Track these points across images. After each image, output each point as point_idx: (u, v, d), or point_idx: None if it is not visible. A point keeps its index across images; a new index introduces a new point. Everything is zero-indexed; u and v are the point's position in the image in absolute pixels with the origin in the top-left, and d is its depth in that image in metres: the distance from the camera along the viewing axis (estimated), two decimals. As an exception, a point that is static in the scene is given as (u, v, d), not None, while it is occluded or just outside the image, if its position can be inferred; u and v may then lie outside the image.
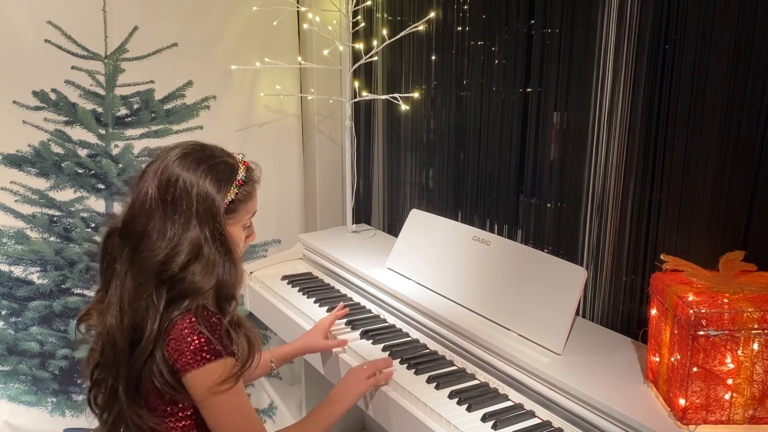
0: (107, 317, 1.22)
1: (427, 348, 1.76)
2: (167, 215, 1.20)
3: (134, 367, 1.19)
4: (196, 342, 1.17)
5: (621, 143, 1.64)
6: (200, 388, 1.19)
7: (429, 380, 1.57)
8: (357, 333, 1.83)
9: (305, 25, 2.55)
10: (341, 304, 1.95)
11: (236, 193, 1.26)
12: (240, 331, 1.26)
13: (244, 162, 1.31)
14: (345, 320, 1.89)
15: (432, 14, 2.19)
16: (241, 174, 1.28)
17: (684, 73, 1.49)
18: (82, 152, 2.42)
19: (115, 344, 1.21)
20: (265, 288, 2.22)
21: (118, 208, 2.45)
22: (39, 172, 2.40)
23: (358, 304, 2.04)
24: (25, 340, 2.46)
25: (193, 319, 1.18)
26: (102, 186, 2.46)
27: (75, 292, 2.48)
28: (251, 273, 2.34)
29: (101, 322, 1.24)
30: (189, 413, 1.25)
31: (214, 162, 1.25)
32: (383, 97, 2.41)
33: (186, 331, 1.18)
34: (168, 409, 1.24)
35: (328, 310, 1.95)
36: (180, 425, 1.25)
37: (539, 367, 1.48)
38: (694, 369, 1.21)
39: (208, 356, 1.18)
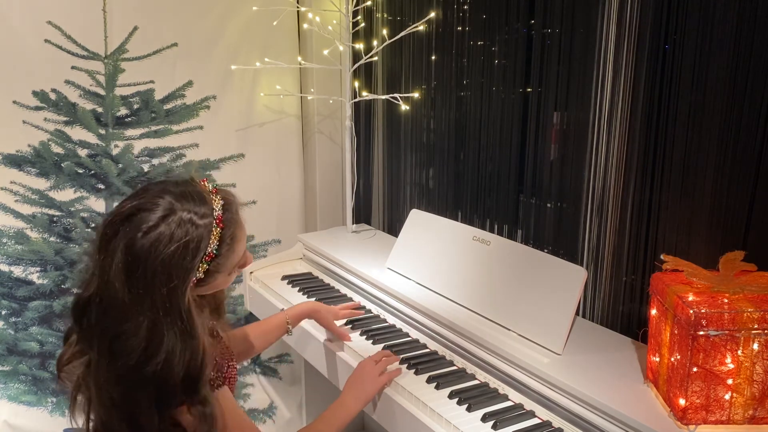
0: (94, 399, 1.12)
1: (427, 348, 1.76)
2: (136, 308, 1.07)
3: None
4: None
5: (621, 143, 1.64)
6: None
7: (429, 380, 1.57)
8: (357, 333, 1.83)
9: (305, 25, 2.55)
10: (358, 303, 1.97)
11: (206, 270, 1.14)
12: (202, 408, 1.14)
13: (219, 219, 1.15)
14: (345, 320, 1.89)
15: (432, 14, 2.19)
16: (212, 245, 1.13)
17: (684, 73, 1.49)
18: (82, 152, 2.42)
19: (101, 405, 1.13)
20: (265, 288, 2.23)
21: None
22: (39, 172, 2.40)
23: (358, 304, 2.04)
24: (25, 340, 2.46)
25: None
26: (102, 186, 2.46)
27: (75, 292, 2.48)
28: (251, 273, 2.34)
29: (81, 369, 1.15)
30: None
31: (176, 234, 1.09)
32: (383, 97, 2.41)
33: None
34: None
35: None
36: None
37: (539, 367, 1.48)
38: (694, 369, 1.21)
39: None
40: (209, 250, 1.12)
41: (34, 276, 2.45)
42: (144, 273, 1.07)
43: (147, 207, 1.10)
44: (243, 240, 1.22)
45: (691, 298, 1.23)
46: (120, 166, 2.45)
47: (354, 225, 2.56)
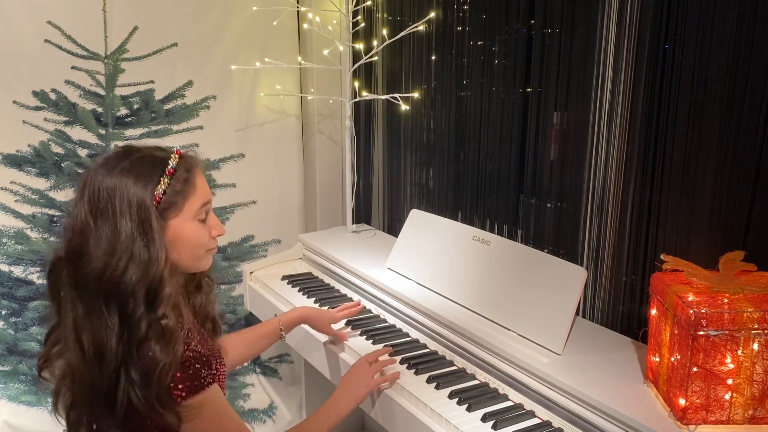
0: (67, 355, 1.15)
1: (427, 348, 1.76)
2: (98, 226, 1.13)
3: (105, 390, 1.12)
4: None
5: (621, 143, 1.64)
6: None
7: (429, 380, 1.57)
8: (357, 333, 1.83)
9: (305, 25, 2.55)
10: (358, 302, 1.97)
11: (168, 184, 1.17)
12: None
13: (178, 152, 1.23)
14: (345, 320, 1.89)
15: (432, 14, 2.19)
16: (172, 163, 1.19)
17: (684, 73, 1.49)
18: (82, 152, 2.42)
19: (83, 379, 1.14)
20: (265, 288, 2.23)
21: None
22: (39, 172, 2.40)
23: (358, 302, 2.04)
24: (25, 340, 2.46)
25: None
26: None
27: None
28: (251, 273, 2.34)
29: (64, 362, 1.18)
30: None
31: (136, 157, 1.18)
32: (383, 97, 2.41)
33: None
34: None
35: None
36: None
37: (539, 367, 1.48)
38: (694, 369, 1.21)
39: (184, 394, 1.15)
40: (169, 166, 1.19)
41: (34, 276, 2.45)
42: (107, 190, 1.14)
43: (112, 154, 1.21)
44: (203, 188, 1.26)
45: (691, 298, 1.24)
46: (120, 166, 2.45)
47: (354, 225, 2.56)
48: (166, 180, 1.17)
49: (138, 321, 1.13)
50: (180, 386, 1.15)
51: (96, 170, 1.16)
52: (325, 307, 2.00)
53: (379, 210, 2.69)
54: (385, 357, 1.64)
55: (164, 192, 1.17)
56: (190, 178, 1.22)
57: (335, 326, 1.84)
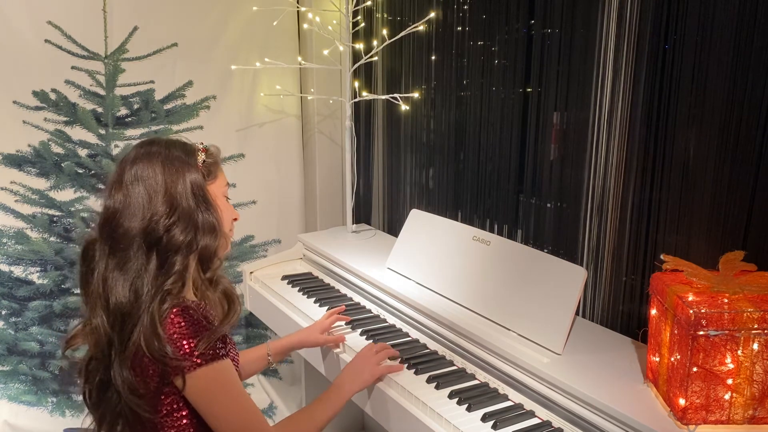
0: (93, 321, 1.22)
1: (427, 348, 1.76)
2: (142, 189, 1.23)
3: (125, 334, 1.18)
4: (186, 347, 1.18)
5: (621, 143, 1.64)
6: (195, 390, 1.21)
7: (429, 380, 1.57)
8: (357, 333, 1.83)
9: (305, 25, 2.55)
10: (342, 306, 1.95)
11: (204, 157, 1.31)
12: (218, 288, 1.32)
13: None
14: (343, 322, 1.89)
15: (432, 14, 2.19)
16: (199, 144, 1.34)
17: (684, 72, 1.49)
18: (82, 152, 2.42)
19: (102, 334, 1.21)
20: (265, 288, 2.23)
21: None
22: (39, 172, 2.40)
23: (358, 304, 2.04)
24: (25, 340, 2.46)
25: (182, 323, 1.19)
26: (102, 186, 2.46)
27: (75, 292, 2.49)
28: (251, 273, 2.34)
29: (89, 340, 1.26)
30: (185, 413, 1.25)
31: (167, 140, 1.32)
32: (383, 97, 2.41)
33: (176, 336, 1.18)
34: (163, 408, 1.23)
35: (328, 310, 1.95)
36: (176, 425, 1.25)
37: (539, 367, 1.48)
38: (694, 369, 1.21)
39: (198, 361, 1.19)
40: (200, 146, 1.34)
41: (34, 276, 2.45)
42: (150, 162, 1.25)
43: (139, 145, 1.34)
44: (223, 171, 1.39)
45: (691, 298, 1.24)
46: (120, 166, 2.45)
47: (354, 225, 2.56)
48: (202, 156, 1.32)
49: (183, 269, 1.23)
50: (196, 353, 1.18)
51: (134, 154, 1.27)
52: (325, 308, 2.00)
53: (379, 210, 2.69)
54: (390, 349, 1.65)
55: (203, 161, 1.31)
56: (216, 158, 1.36)
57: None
